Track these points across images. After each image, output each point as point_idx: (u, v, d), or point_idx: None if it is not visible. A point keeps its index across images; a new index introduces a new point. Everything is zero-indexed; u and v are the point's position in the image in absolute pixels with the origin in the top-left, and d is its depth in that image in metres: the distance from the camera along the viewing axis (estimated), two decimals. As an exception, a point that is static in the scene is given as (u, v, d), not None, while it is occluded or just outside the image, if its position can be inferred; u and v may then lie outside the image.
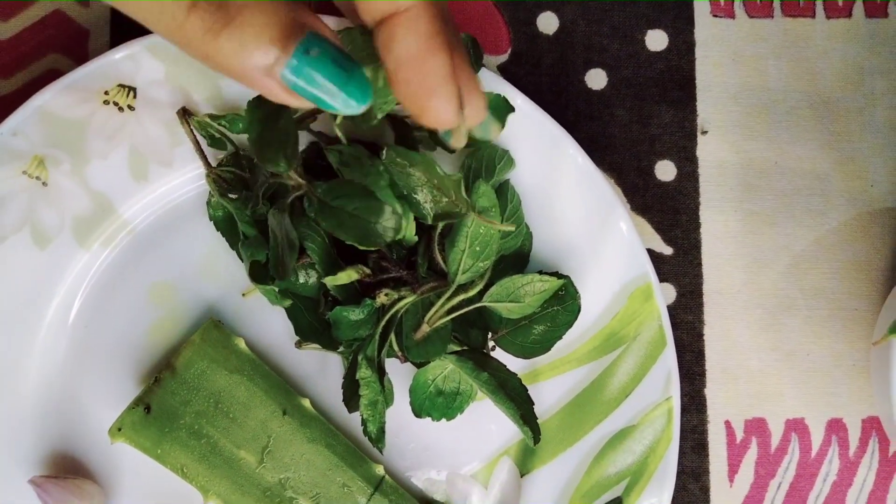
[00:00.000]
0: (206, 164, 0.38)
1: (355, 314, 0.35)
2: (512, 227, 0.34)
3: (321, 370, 0.39)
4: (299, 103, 0.26)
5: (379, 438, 0.35)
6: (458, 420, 0.38)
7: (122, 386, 0.38)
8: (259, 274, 0.36)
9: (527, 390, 0.36)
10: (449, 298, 0.35)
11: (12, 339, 0.38)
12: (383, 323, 0.34)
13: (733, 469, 0.42)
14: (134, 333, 0.39)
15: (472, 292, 0.35)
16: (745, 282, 0.43)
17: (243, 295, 0.39)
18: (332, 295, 0.37)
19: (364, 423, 0.35)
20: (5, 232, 0.37)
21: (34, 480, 0.36)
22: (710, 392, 0.42)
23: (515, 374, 0.36)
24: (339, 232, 0.32)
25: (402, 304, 0.34)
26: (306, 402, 0.36)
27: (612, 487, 0.39)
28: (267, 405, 0.36)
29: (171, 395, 0.36)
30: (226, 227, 0.38)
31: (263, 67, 0.25)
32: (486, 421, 0.39)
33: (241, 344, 0.36)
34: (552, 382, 0.39)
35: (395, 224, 0.31)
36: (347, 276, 0.35)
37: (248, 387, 0.36)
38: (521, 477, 0.39)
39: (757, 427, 0.43)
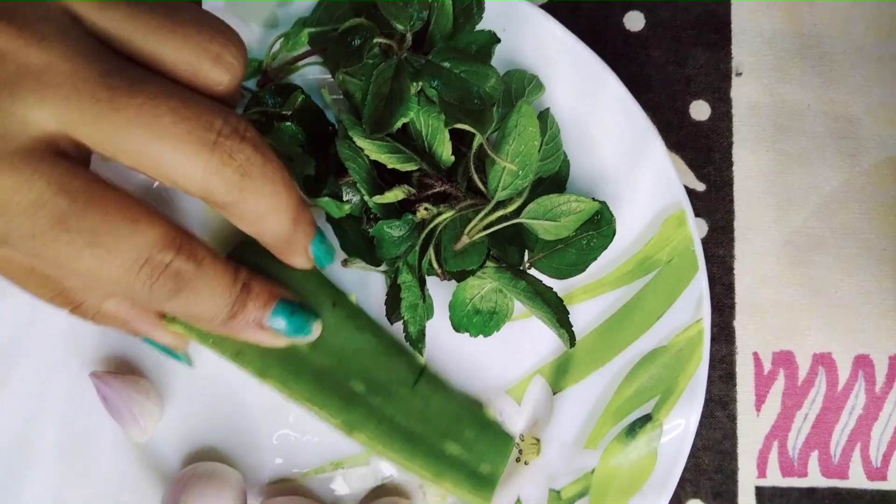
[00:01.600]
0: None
1: (397, 229, 0.36)
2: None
3: (364, 291, 0.40)
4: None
5: (419, 339, 0.37)
6: (493, 340, 0.39)
7: None
8: (312, 188, 0.38)
9: (562, 300, 0.37)
10: (488, 213, 0.36)
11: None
12: (424, 234, 0.36)
13: (760, 399, 0.43)
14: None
15: (510, 208, 0.36)
16: (775, 219, 0.44)
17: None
18: (373, 213, 0.38)
19: (405, 325, 0.37)
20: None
21: (95, 374, 0.38)
22: (739, 324, 0.44)
23: (551, 288, 0.38)
24: (444, 90, 0.36)
25: (441, 218, 0.36)
26: (353, 297, 0.38)
27: (642, 405, 0.40)
28: (317, 296, 0.37)
29: None
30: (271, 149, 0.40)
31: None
32: (520, 341, 0.41)
33: None
34: (586, 305, 0.41)
35: (497, 91, 0.36)
36: (394, 195, 0.37)
37: (301, 276, 0.37)
38: (554, 395, 0.41)
39: (784, 359, 0.44)
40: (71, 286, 0.34)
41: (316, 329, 0.36)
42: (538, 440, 0.41)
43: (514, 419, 0.41)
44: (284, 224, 0.32)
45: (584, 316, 0.41)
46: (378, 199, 0.37)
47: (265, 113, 0.39)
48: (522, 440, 0.41)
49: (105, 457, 0.39)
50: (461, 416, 0.38)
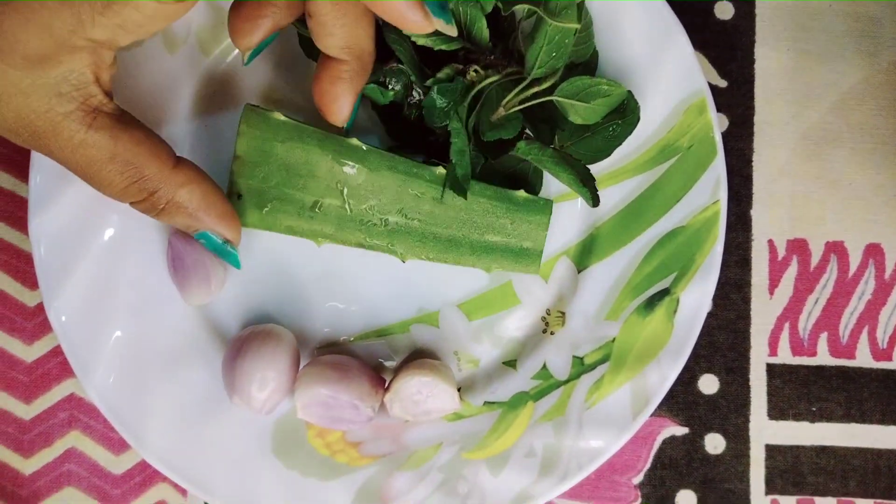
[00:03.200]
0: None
1: (448, 94, 0.39)
2: (578, 25, 0.38)
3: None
4: None
5: (465, 180, 0.40)
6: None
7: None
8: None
9: (585, 165, 0.40)
10: (524, 88, 0.39)
11: None
12: (473, 92, 0.39)
13: (774, 283, 0.46)
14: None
15: (544, 85, 0.39)
16: (793, 114, 0.46)
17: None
18: (417, 99, 0.41)
19: (452, 168, 0.40)
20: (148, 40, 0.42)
21: (176, 235, 0.41)
22: (755, 213, 0.46)
23: (578, 160, 0.41)
24: None
25: (487, 81, 0.39)
26: (355, 141, 0.40)
27: (661, 281, 0.42)
28: (324, 155, 0.40)
29: (250, 178, 0.40)
30: (312, 46, 0.41)
31: None
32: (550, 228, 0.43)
33: (279, 115, 0.40)
34: (610, 190, 0.43)
35: None
36: (445, 73, 0.40)
37: (302, 147, 0.40)
38: (578, 273, 0.44)
39: (798, 247, 0.46)
40: (150, 174, 0.36)
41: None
42: (563, 313, 0.44)
43: (541, 295, 0.44)
44: None
45: (608, 200, 0.43)
46: (431, 81, 0.40)
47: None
48: (549, 314, 0.44)
49: (171, 317, 0.43)
50: (493, 209, 0.41)
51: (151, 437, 0.42)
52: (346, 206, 0.40)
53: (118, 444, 0.45)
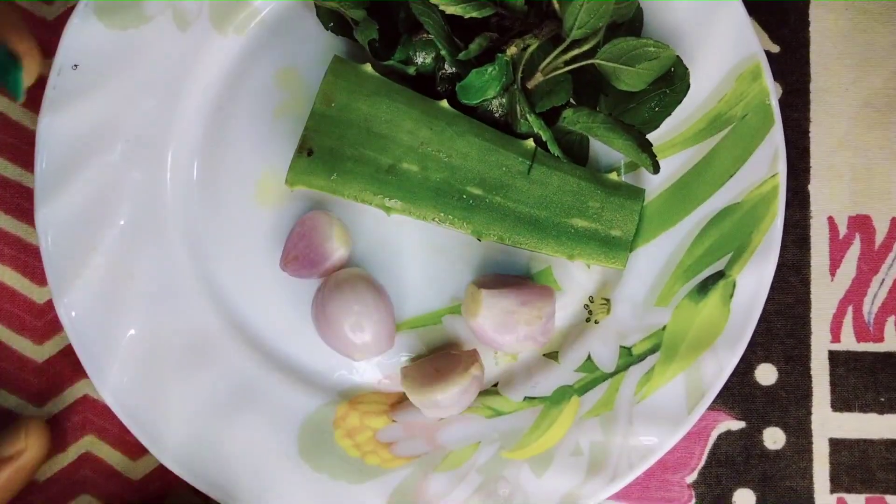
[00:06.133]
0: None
1: (489, 74, 0.37)
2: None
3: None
4: None
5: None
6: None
7: (265, 154, 0.41)
8: (377, 51, 0.39)
9: (641, 132, 0.38)
10: (564, 51, 0.37)
11: (154, 116, 0.41)
12: (521, 68, 0.37)
13: (835, 264, 0.43)
14: (263, 115, 0.42)
15: (585, 47, 0.37)
16: (853, 80, 0.43)
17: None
18: (447, 72, 0.39)
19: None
20: (151, 12, 0.40)
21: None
22: (813, 188, 0.43)
23: (631, 125, 0.38)
24: None
25: (531, 49, 0.37)
26: (444, 104, 0.38)
27: (714, 263, 0.40)
28: (411, 114, 0.38)
29: (326, 135, 0.38)
30: (331, 18, 0.41)
31: None
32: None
33: (369, 68, 0.38)
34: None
35: None
36: (478, 45, 0.37)
37: (388, 104, 0.38)
38: (625, 255, 0.41)
39: (861, 224, 0.43)
40: None
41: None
42: (608, 300, 0.41)
43: (583, 281, 0.41)
44: None
45: (654, 177, 0.40)
46: (463, 55, 0.37)
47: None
48: (592, 301, 0.41)
49: (188, 312, 0.41)
50: (582, 190, 0.39)
51: (170, 440, 0.40)
52: (425, 172, 0.38)
53: (135, 448, 0.43)
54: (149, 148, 0.41)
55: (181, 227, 0.41)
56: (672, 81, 0.39)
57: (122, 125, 0.40)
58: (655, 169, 0.37)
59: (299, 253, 0.39)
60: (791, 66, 0.43)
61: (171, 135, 0.41)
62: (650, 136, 0.39)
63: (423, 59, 0.39)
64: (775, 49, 0.43)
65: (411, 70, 0.39)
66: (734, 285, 0.40)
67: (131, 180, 0.41)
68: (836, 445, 0.42)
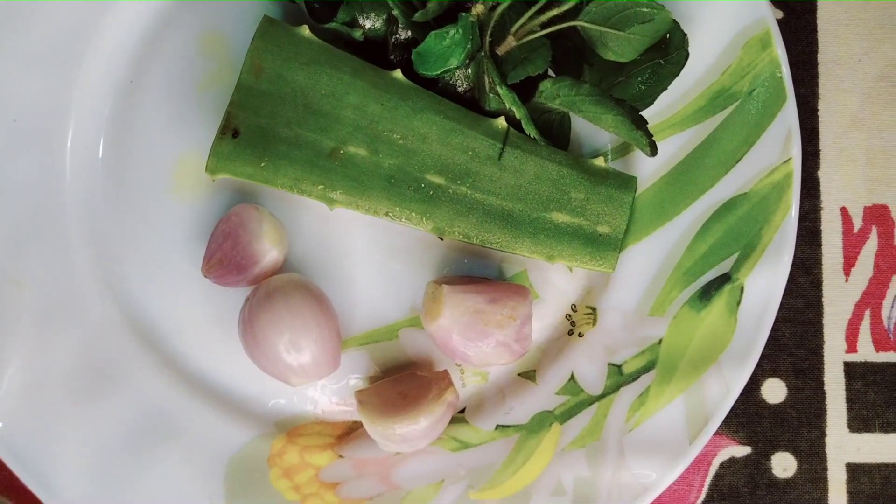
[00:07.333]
0: None
1: (450, 37, 0.33)
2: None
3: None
4: None
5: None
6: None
7: (186, 135, 0.38)
8: (316, 12, 0.36)
9: (633, 106, 0.34)
10: (540, 10, 0.33)
11: (50, 90, 0.38)
12: (489, 32, 0.34)
13: (849, 261, 0.40)
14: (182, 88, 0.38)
15: (566, 6, 0.33)
16: (866, 50, 0.41)
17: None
18: (401, 39, 0.35)
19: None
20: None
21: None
22: (824, 175, 0.40)
23: (622, 99, 0.34)
24: None
25: (499, 10, 0.33)
26: (398, 74, 0.35)
27: (718, 264, 0.38)
28: (357, 87, 0.34)
29: (255, 112, 0.35)
30: None
31: None
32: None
33: (306, 31, 0.35)
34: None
35: None
36: (438, 2, 0.34)
37: (329, 74, 0.34)
38: (613, 255, 0.39)
39: (878, 214, 0.41)
40: None
41: None
42: (594, 309, 0.38)
43: (565, 287, 0.38)
44: None
45: (649, 164, 0.38)
46: (419, 16, 0.34)
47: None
48: (575, 311, 0.38)
49: (84, 331, 0.37)
50: (563, 178, 0.35)
51: (66, 487, 0.37)
52: (374, 157, 0.35)
53: (27, 496, 0.39)
54: (42, 129, 0.38)
55: (82, 224, 0.38)
56: (668, 50, 0.36)
57: (8, 101, 0.37)
58: (653, 150, 0.34)
59: (224, 255, 0.36)
60: (796, 34, 0.41)
61: (71, 113, 0.38)
62: (644, 114, 0.36)
63: (371, 21, 0.36)
64: (779, 15, 0.41)
65: (358, 34, 0.35)
66: (742, 290, 0.37)
67: (20, 167, 0.37)
68: (855, 471, 0.40)
